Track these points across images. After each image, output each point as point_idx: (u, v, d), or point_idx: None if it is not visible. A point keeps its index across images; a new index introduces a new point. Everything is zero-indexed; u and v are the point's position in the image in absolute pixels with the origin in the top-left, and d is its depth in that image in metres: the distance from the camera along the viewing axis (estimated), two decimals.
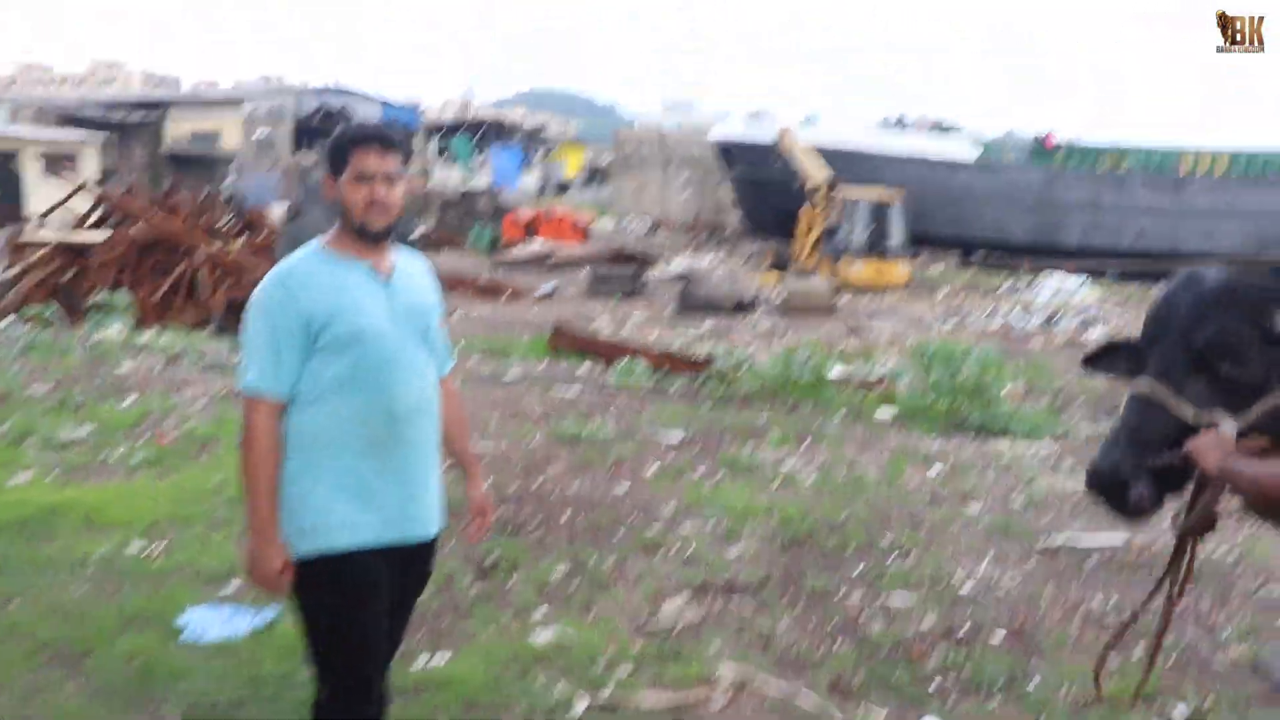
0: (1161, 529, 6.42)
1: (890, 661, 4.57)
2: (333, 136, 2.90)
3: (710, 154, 41.30)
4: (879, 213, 27.16)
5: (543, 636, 4.64)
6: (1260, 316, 2.46)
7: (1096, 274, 29.92)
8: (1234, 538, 6.48)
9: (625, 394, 10.44)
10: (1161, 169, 34.24)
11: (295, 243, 3.13)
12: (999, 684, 4.39)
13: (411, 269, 3.03)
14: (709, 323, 18.12)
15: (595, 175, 63.07)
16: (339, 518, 2.76)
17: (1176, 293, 2.63)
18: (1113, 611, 5.21)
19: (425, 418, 2.93)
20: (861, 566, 5.65)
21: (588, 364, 12.39)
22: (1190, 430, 2.47)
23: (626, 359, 11.89)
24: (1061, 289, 26.65)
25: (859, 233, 26.97)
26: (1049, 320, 21.33)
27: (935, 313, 22.05)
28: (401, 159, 2.92)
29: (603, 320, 18.04)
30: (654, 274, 25.27)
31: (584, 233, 33.22)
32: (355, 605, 2.80)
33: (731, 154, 37.73)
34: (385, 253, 2.92)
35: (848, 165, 30.37)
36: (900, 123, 36.73)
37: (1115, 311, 24.00)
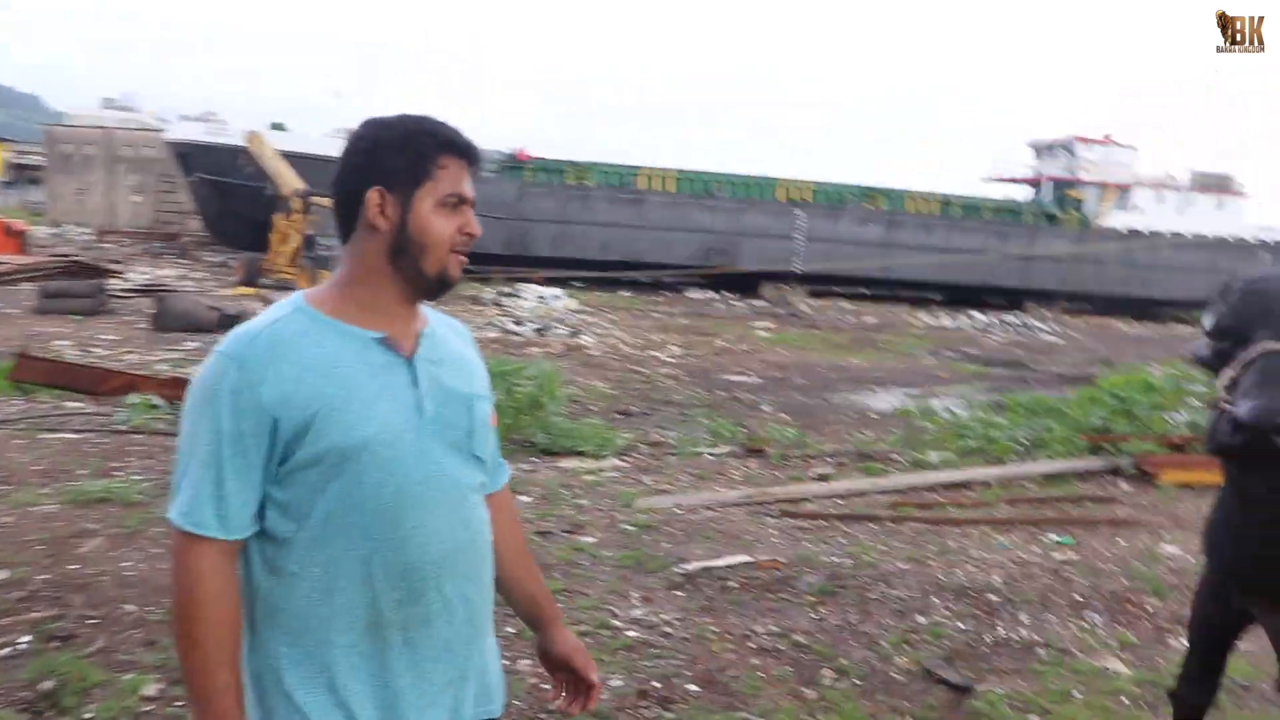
0: (779, 548, 6.53)
1: None
2: (399, 129, 1.83)
3: (165, 156, 37.94)
4: None
5: None
6: None
7: (565, 283, 31.30)
8: (841, 545, 6.67)
9: (143, 436, 8.87)
10: (622, 184, 36.71)
11: None
12: None
13: (445, 335, 1.97)
14: (192, 343, 16.33)
15: (22, 175, 55.51)
16: None
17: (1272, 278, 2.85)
18: (781, 638, 5.05)
19: (470, 569, 1.89)
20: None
21: (74, 400, 10.46)
22: None
23: (133, 392, 10.19)
24: (544, 297, 27.56)
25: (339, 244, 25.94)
26: (542, 330, 21.85)
27: None
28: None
29: (65, 344, 15.60)
30: (115, 288, 22.51)
31: (19, 241, 28.97)
32: None
33: (190, 157, 34.85)
34: (414, 315, 1.89)
35: (324, 173, 29.20)
36: None
37: (595, 319, 25.19)
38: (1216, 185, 45.15)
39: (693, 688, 4.47)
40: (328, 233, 25.34)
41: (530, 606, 2.18)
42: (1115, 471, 9.42)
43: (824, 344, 24.06)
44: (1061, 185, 44.37)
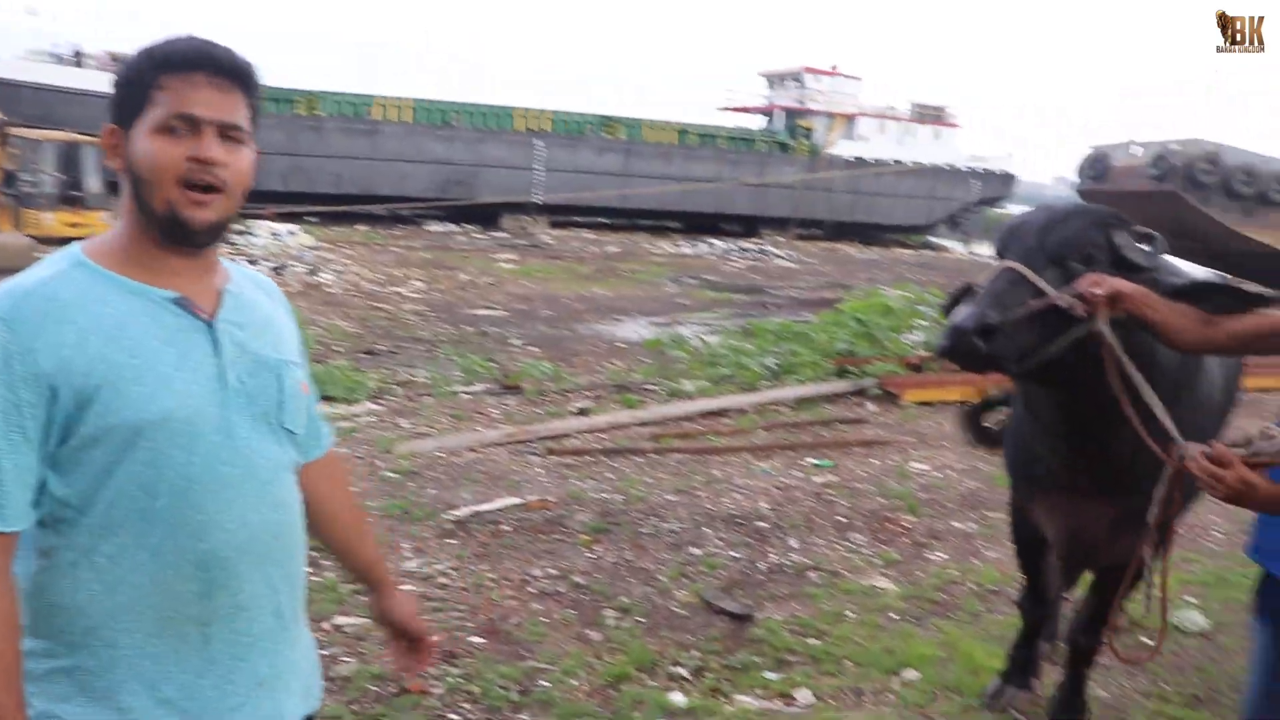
0: (547, 487, 6.43)
1: (395, 704, 3.79)
2: (128, 60, 1.57)
3: None
4: (71, 157, 24.17)
5: None
6: (1107, 231, 2.82)
7: (299, 219, 29.99)
8: (609, 480, 6.63)
9: None
10: (356, 114, 35.27)
11: None
12: (513, 695, 3.87)
13: (251, 294, 1.72)
14: None
15: None
16: None
17: (1032, 213, 2.96)
18: (560, 580, 4.96)
19: (280, 555, 1.67)
20: None
21: None
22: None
23: None
24: (277, 234, 26.24)
25: (47, 179, 23.77)
26: (278, 269, 20.81)
27: None
28: (252, 103, 1.61)
29: None
30: None
31: None
32: None
33: None
34: (208, 270, 1.65)
35: (11, 102, 26.66)
36: (78, 57, 32.97)
37: (333, 255, 24.28)
38: (933, 116, 47.88)
39: (477, 639, 4.31)
40: (31, 167, 23.24)
41: (366, 573, 2.06)
42: (861, 393, 9.83)
43: (568, 275, 24.01)
44: (792, 115, 45.93)
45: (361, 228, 31.98)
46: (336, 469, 2.00)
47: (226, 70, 1.57)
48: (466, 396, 9.20)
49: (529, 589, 4.88)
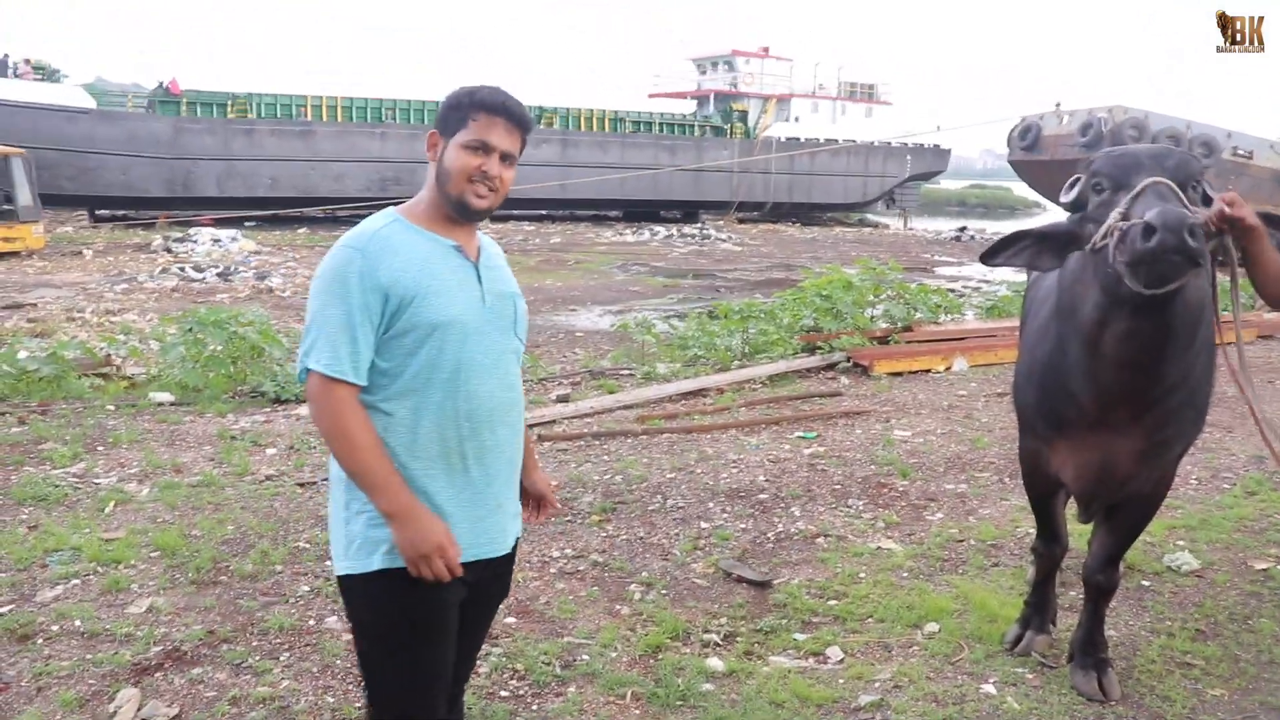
0: (548, 472, 6.49)
1: None
2: (455, 92, 2.46)
3: None
4: None
5: None
6: (1201, 165, 3.05)
7: (239, 224, 29.67)
8: (606, 462, 6.74)
9: None
10: (288, 116, 34.83)
11: None
12: (557, 669, 3.98)
13: (493, 251, 2.61)
14: None
15: None
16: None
17: (1131, 148, 3.14)
18: (579, 560, 5.07)
19: (510, 422, 2.51)
20: (305, 586, 4.78)
21: None
22: None
23: None
24: (219, 240, 25.93)
25: None
26: (224, 274, 20.61)
27: (96, 277, 20.07)
28: (525, 141, 2.49)
29: None
30: None
31: None
32: (412, 628, 2.42)
33: None
34: (472, 234, 2.52)
35: None
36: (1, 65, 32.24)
37: (278, 259, 24.07)
38: (865, 94, 48.38)
39: (510, 620, 4.41)
40: None
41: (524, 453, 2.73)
42: (832, 367, 10.03)
43: (516, 268, 22.65)
44: (725, 98, 46.15)
45: (302, 230, 31.69)
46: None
47: (516, 119, 2.42)
48: None
49: (550, 570, 4.99)
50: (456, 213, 2.40)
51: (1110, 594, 3.95)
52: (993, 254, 3.32)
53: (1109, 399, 3.32)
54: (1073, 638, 4.06)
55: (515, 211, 38.25)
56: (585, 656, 4.09)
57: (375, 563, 2.34)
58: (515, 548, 2.64)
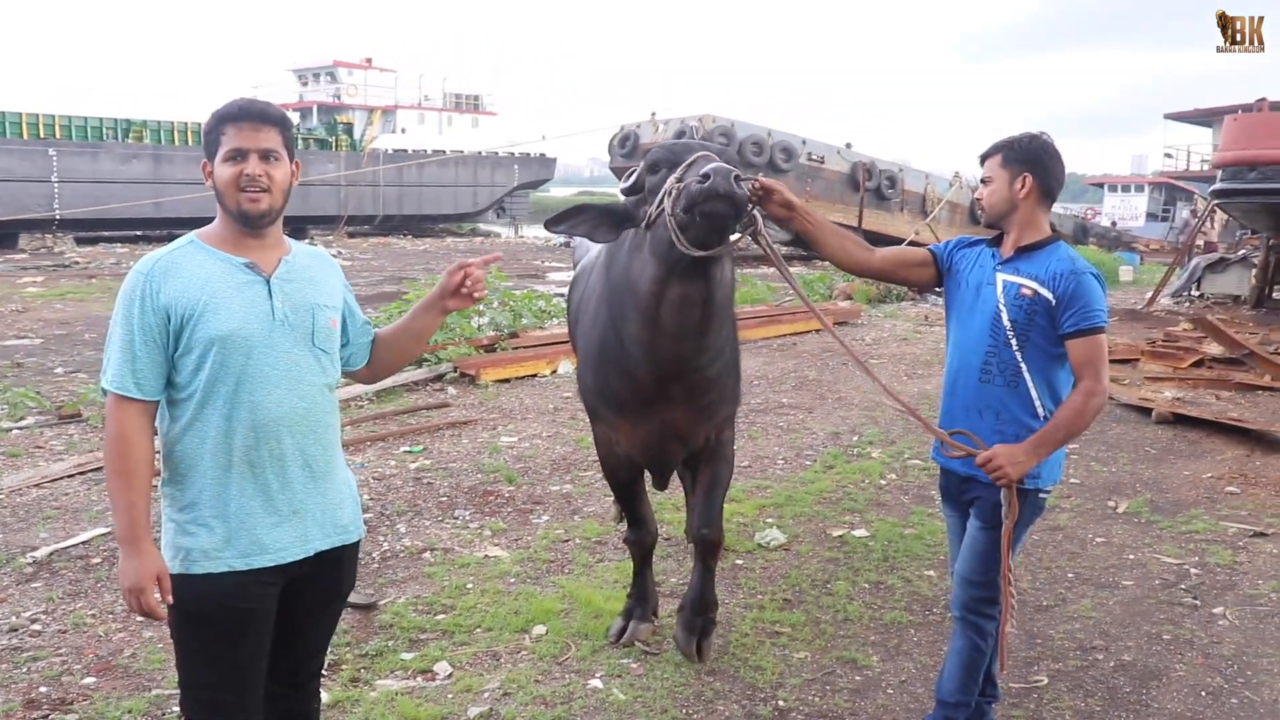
0: None
1: None
2: (208, 119, 2.57)
3: None
4: None
5: None
6: (737, 163, 3.37)
7: None
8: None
9: None
10: None
11: None
12: None
13: (308, 263, 2.70)
14: None
15: None
16: (199, 542, 2.48)
17: (680, 140, 3.64)
18: None
19: (307, 429, 2.58)
20: None
21: None
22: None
23: None
24: None
25: None
26: None
27: None
28: (283, 135, 2.59)
29: None
30: None
31: None
32: (212, 630, 2.51)
33: None
34: (272, 246, 2.61)
35: None
36: None
37: None
38: (471, 105, 48.69)
39: (89, 680, 4.05)
40: None
41: (417, 325, 2.91)
42: (440, 378, 10.01)
43: (107, 293, 22.08)
44: (329, 110, 44.97)
45: None
46: (387, 334, 2.92)
47: (258, 116, 2.54)
48: (18, 433, 8.36)
49: (135, 618, 4.62)
50: (242, 224, 2.52)
51: (716, 548, 4.23)
52: (556, 222, 3.61)
53: (666, 372, 3.65)
54: (684, 597, 4.32)
55: (105, 233, 35.33)
56: (175, 709, 3.82)
57: (176, 567, 2.46)
58: (352, 547, 2.76)
